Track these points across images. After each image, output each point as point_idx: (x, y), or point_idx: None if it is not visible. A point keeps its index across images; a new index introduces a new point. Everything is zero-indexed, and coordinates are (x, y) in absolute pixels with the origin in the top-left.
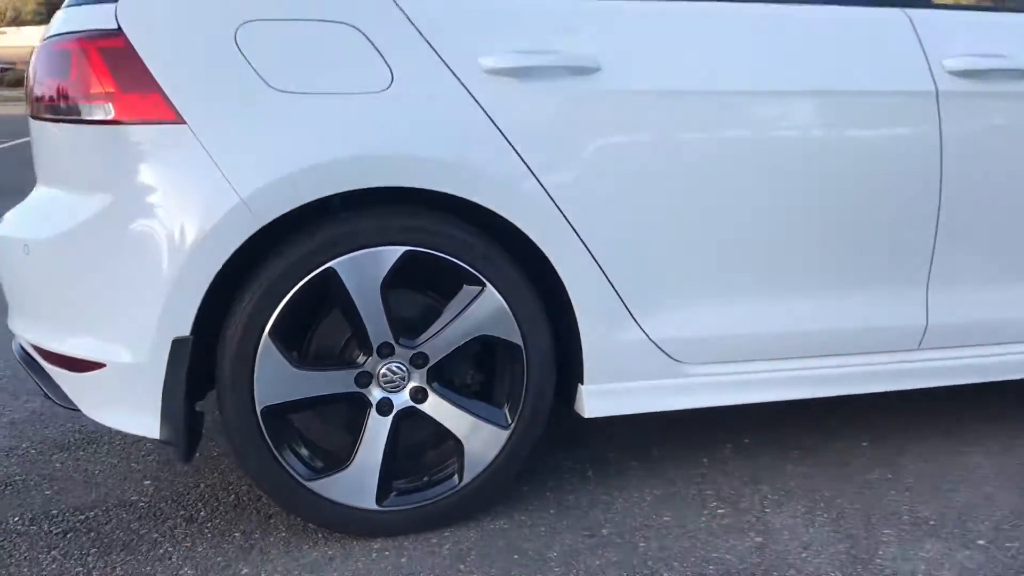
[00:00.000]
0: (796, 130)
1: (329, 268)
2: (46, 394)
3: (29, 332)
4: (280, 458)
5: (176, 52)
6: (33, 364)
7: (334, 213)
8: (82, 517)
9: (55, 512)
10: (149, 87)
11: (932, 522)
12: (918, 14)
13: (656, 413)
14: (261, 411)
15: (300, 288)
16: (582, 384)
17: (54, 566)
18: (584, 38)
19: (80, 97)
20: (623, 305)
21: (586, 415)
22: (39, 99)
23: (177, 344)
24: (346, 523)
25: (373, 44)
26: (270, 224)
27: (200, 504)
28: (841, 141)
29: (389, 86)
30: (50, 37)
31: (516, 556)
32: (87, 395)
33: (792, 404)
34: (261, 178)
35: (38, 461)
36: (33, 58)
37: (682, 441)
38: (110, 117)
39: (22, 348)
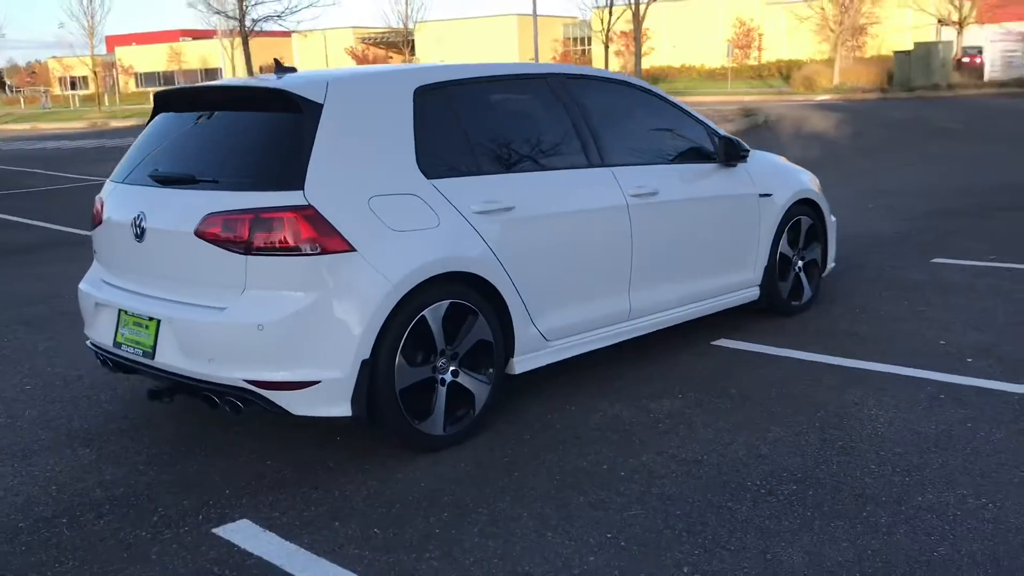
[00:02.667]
0: (587, 223)
1: (422, 315)
2: (250, 402)
3: (251, 373)
4: (406, 414)
5: (343, 213)
6: (225, 391)
7: (420, 288)
8: (262, 500)
9: (223, 495)
10: (333, 234)
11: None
12: (617, 170)
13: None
14: (399, 391)
15: (411, 327)
16: (512, 357)
17: (288, 516)
18: (508, 193)
19: (295, 243)
20: (528, 315)
21: (515, 372)
22: (255, 244)
23: (364, 363)
24: (431, 443)
25: (428, 204)
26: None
27: (326, 474)
28: (599, 226)
29: (439, 224)
30: (255, 208)
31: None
32: (298, 401)
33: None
34: (398, 274)
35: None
36: (238, 223)
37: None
38: (317, 251)
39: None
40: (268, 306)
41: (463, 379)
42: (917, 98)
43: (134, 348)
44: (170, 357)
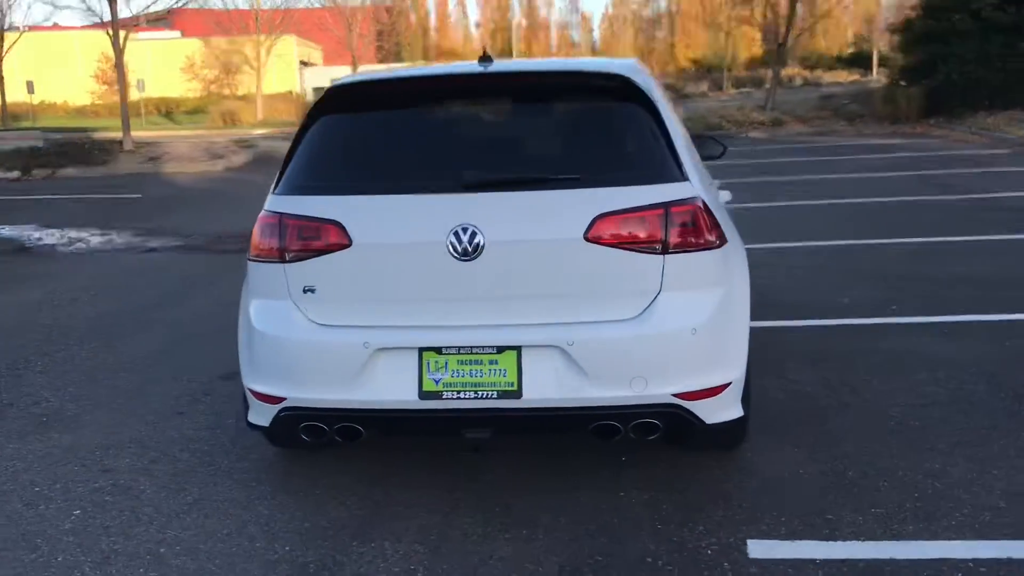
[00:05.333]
0: None
1: None
2: (671, 419)
3: (679, 385)
4: None
5: (711, 203)
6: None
7: None
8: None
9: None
10: (717, 224)
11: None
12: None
13: None
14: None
15: None
16: None
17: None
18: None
19: (701, 236)
20: None
21: None
22: (671, 242)
23: (747, 358)
24: (741, 438)
25: (719, 194)
26: None
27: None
28: None
29: (728, 217)
30: (662, 203)
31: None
32: (713, 409)
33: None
34: (747, 265)
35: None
36: (648, 221)
37: None
38: (718, 244)
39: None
40: (691, 308)
41: None
42: None
43: (474, 392)
44: (554, 390)
